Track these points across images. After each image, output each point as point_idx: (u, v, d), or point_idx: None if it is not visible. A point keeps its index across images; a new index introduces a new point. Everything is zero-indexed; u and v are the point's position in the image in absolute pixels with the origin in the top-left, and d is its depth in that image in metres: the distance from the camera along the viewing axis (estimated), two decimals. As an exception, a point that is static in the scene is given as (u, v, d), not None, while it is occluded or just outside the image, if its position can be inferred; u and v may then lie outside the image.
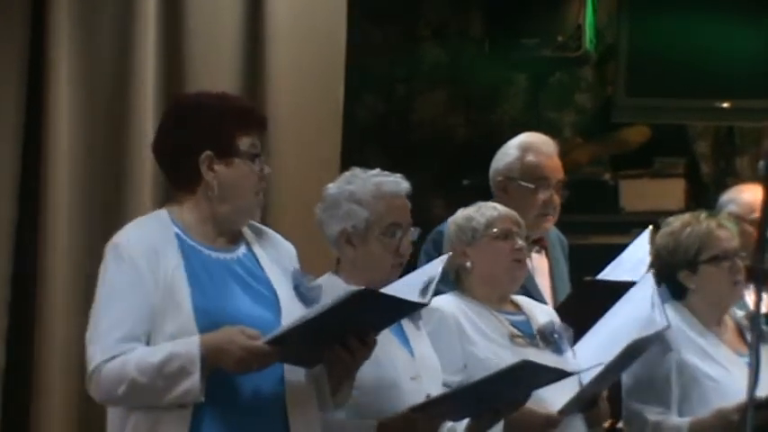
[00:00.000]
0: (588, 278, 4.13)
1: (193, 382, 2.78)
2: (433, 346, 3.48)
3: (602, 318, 3.91)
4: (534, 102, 7.00)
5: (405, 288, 3.02)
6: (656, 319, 3.56)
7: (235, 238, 3.02)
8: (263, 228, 3.12)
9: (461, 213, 3.77)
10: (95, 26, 4.72)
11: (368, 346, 2.92)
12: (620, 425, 3.93)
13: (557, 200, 4.30)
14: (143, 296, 2.87)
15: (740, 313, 3.89)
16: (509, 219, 3.72)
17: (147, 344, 2.87)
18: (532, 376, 3.29)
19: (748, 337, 3.78)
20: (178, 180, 3.01)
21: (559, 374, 3.35)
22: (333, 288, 3.27)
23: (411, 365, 3.34)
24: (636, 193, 6.67)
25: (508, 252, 3.66)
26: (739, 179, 6.20)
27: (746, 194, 4.74)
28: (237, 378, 2.85)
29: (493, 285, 3.68)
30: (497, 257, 3.65)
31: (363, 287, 2.86)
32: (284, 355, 2.84)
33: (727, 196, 4.83)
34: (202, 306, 2.87)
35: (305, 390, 2.94)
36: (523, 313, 3.71)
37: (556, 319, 3.72)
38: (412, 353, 3.37)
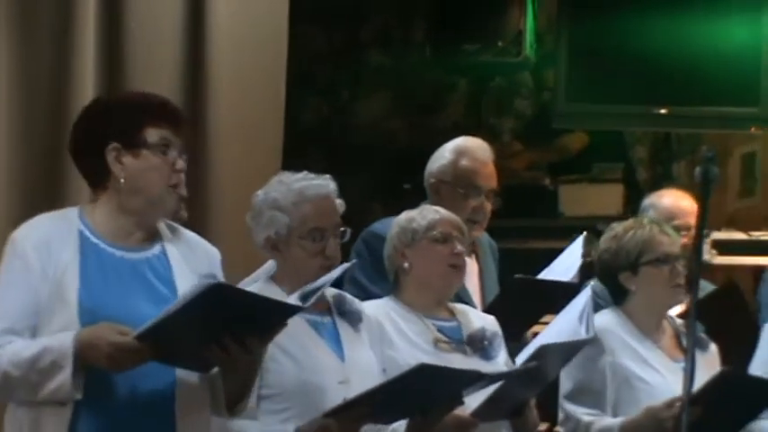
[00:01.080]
0: (519, 276, 4.15)
1: (65, 377, 2.76)
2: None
3: (531, 319, 3.94)
4: (475, 106, 7.04)
5: (295, 294, 3.00)
6: (581, 331, 3.59)
7: (151, 238, 3.00)
8: (183, 230, 3.09)
9: (405, 215, 3.78)
10: (34, 26, 4.67)
11: (249, 351, 2.84)
12: (557, 429, 3.96)
13: (488, 207, 4.30)
14: (29, 290, 2.84)
15: (679, 321, 3.94)
16: (450, 223, 3.72)
17: (33, 338, 2.84)
18: (443, 379, 3.26)
19: (685, 343, 3.82)
20: (91, 177, 2.99)
21: (473, 376, 3.31)
22: (268, 294, 3.26)
23: (339, 370, 3.32)
24: (575, 198, 6.73)
25: (446, 255, 3.66)
26: (676, 185, 6.27)
27: (666, 200, 4.76)
28: (116, 376, 2.82)
29: (428, 288, 3.68)
30: (435, 260, 3.66)
31: (217, 281, 2.81)
32: (159, 352, 2.79)
33: (647, 201, 4.84)
34: (89, 305, 2.84)
35: (197, 393, 2.90)
36: (456, 320, 3.71)
37: (492, 327, 3.71)
38: (343, 357, 3.36)
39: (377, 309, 3.63)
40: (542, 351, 3.50)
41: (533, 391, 3.63)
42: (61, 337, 2.79)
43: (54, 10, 4.71)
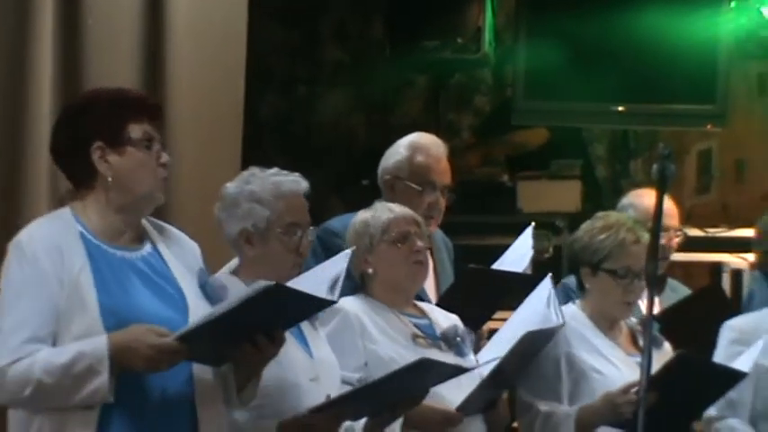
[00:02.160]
0: (472, 266, 4.16)
1: (102, 381, 2.75)
2: (334, 344, 3.48)
3: (485, 310, 3.96)
4: (434, 103, 7.05)
5: (311, 285, 3.02)
6: (552, 317, 3.62)
7: (140, 237, 2.99)
8: (167, 226, 3.09)
9: (359, 217, 3.77)
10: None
11: (276, 343, 2.91)
12: (514, 425, 3.99)
13: (442, 203, 4.30)
14: (47, 296, 2.82)
15: (633, 320, 3.96)
16: (405, 220, 3.72)
17: (54, 345, 2.82)
18: (430, 374, 3.31)
19: (641, 341, 3.85)
20: (76, 177, 2.98)
21: (457, 371, 3.38)
22: (233, 289, 3.25)
23: (310, 367, 3.32)
24: (533, 195, 6.75)
25: (407, 255, 3.67)
26: (633, 182, 6.32)
27: (646, 199, 4.76)
28: (144, 377, 2.82)
29: (395, 289, 3.70)
30: (397, 262, 3.66)
31: (273, 282, 2.83)
32: (193, 352, 2.82)
33: (626, 200, 4.85)
34: (109, 306, 2.83)
35: (213, 388, 2.92)
36: (427, 317, 3.74)
37: (460, 324, 3.74)
38: (311, 354, 3.36)
39: (354, 304, 3.64)
40: (525, 340, 3.52)
41: (508, 383, 3.67)
42: (95, 342, 2.77)
43: (11, 5, 4.67)
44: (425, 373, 3.27)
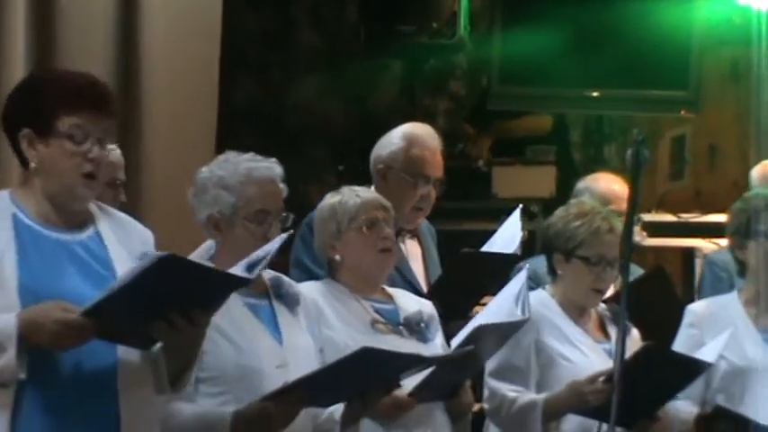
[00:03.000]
0: (465, 249, 4.15)
1: (9, 358, 2.71)
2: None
3: (478, 293, 3.96)
4: (409, 88, 7.05)
5: (241, 264, 2.98)
6: (517, 312, 3.60)
7: (83, 220, 2.96)
8: (116, 212, 3.06)
9: (326, 203, 3.73)
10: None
11: (196, 325, 2.81)
12: (482, 405, 3.98)
13: (433, 196, 4.30)
14: None
15: (603, 306, 3.97)
16: (372, 206, 3.67)
17: None
18: (383, 362, 3.25)
19: (609, 327, 3.87)
20: (18, 157, 2.97)
21: (413, 360, 3.30)
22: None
23: (277, 353, 3.30)
24: (508, 180, 6.77)
25: (375, 242, 3.63)
26: (607, 167, 6.34)
27: (601, 183, 4.79)
28: (65, 356, 2.78)
29: (363, 275, 3.66)
30: (364, 249, 3.62)
31: (166, 254, 2.74)
32: (103, 330, 2.76)
33: (582, 184, 4.87)
34: (29, 285, 2.80)
35: (139, 370, 2.88)
36: (393, 303, 3.70)
37: (429, 310, 3.72)
38: (281, 341, 3.33)
39: (314, 289, 3.62)
40: (478, 332, 3.51)
41: (469, 372, 3.65)
42: (3, 318, 2.74)
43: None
44: (375, 362, 3.21)
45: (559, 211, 3.91)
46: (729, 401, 3.80)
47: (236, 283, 2.88)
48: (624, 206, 4.60)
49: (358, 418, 3.36)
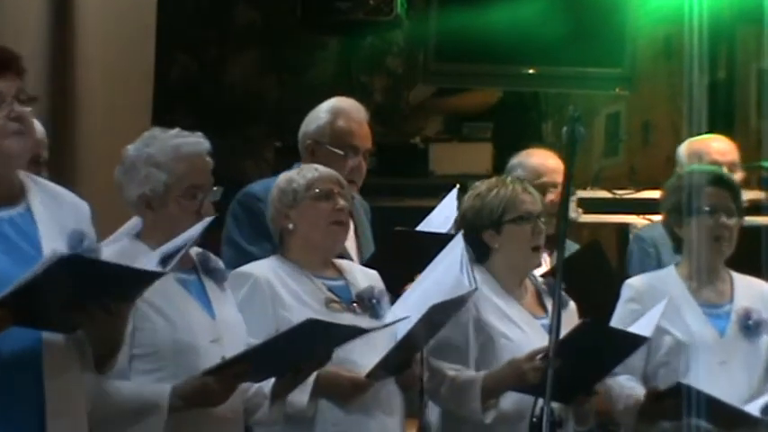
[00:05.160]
0: (398, 228, 4.17)
1: None
2: (245, 311, 3.46)
3: (410, 272, 3.98)
4: (346, 65, 7.05)
5: (155, 254, 2.97)
6: (464, 282, 3.62)
7: (14, 195, 2.91)
8: (51, 185, 3.02)
9: (284, 176, 3.76)
10: None
11: (113, 315, 2.80)
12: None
13: (363, 167, 4.31)
14: None
15: (540, 279, 4.01)
16: (330, 179, 3.72)
17: None
18: (327, 334, 3.29)
19: (546, 301, 3.91)
20: None
21: (355, 332, 3.35)
22: (135, 253, 3.23)
23: (211, 328, 3.30)
24: (445, 157, 6.80)
25: (329, 212, 3.66)
26: (544, 144, 6.38)
27: (534, 159, 4.83)
28: None
29: (314, 247, 3.69)
30: (318, 218, 3.66)
31: (68, 253, 2.75)
32: (21, 317, 2.74)
33: (515, 160, 4.90)
34: None
35: (64, 351, 2.86)
36: (344, 278, 3.72)
37: (377, 284, 3.74)
38: (213, 315, 3.34)
39: (266, 269, 3.62)
40: (440, 306, 3.53)
41: (419, 347, 3.68)
42: None
43: None
44: (319, 334, 3.25)
45: (468, 195, 3.96)
46: (672, 376, 3.84)
47: (152, 278, 2.87)
48: (557, 178, 4.65)
49: (289, 392, 3.38)
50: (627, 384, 3.88)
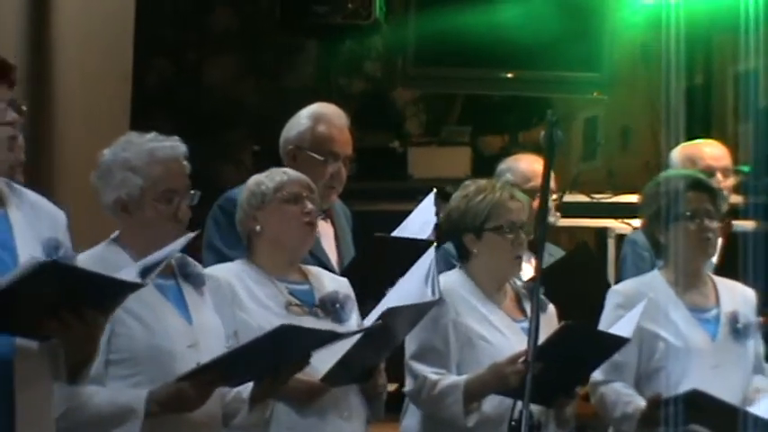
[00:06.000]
0: (377, 234, 4.17)
1: None
2: (206, 313, 3.47)
3: (389, 277, 3.97)
4: (325, 69, 7.05)
5: (136, 266, 2.97)
6: (427, 292, 3.61)
7: None
8: (27, 192, 3.01)
9: (253, 179, 3.77)
10: None
11: (88, 324, 2.80)
12: (404, 389, 4.00)
13: (344, 173, 4.32)
14: None
15: (519, 283, 4.02)
16: (299, 183, 3.73)
17: None
18: (300, 339, 3.28)
19: (526, 305, 3.91)
20: None
21: (330, 336, 3.35)
22: (110, 257, 3.24)
23: (188, 333, 3.29)
24: (424, 161, 6.80)
25: (297, 215, 3.67)
26: (522, 148, 6.39)
27: (523, 163, 4.84)
28: None
29: (282, 249, 3.69)
30: (286, 220, 3.66)
31: (50, 259, 2.76)
32: None
33: (504, 165, 4.92)
34: None
35: (36, 359, 2.85)
36: (308, 282, 3.72)
37: (344, 290, 3.73)
38: (190, 320, 3.33)
39: (228, 271, 3.62)
40: (388, 313, 3.53)
41: (382, 354, 3.66)
42: None
43: None
44: (293, 339, 3.25)
45: (456, 195, 3.95)
46: (668, 381, 3.84)
47: (130, 289, 2.87)
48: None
49: (267, 396, 3.37)
50: (624, 392, 3.88)
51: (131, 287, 2.87)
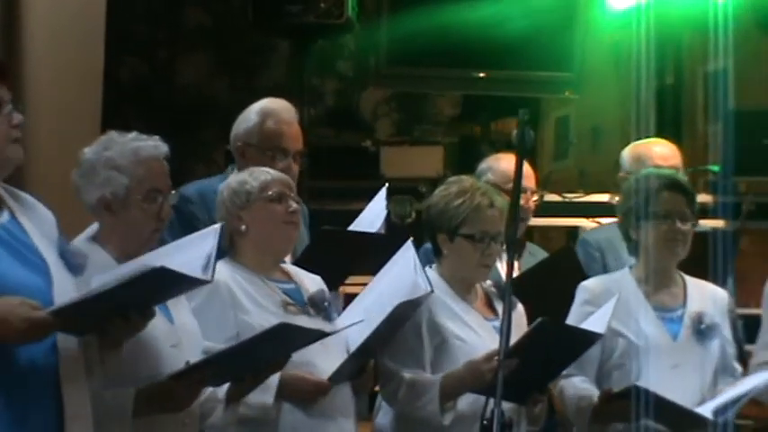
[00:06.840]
0: (326, 227, 4.17)
1: None
2: (203, 315, 3.46)
3: (341, 272, 3.99)
4: (297, 68, 7.05)
5: (183, 260, 2.98)
6: (420, 284, 3.64)
7: None
8: (23, 194, 3.02)
9: (234, 178, 3.76)
10: None
11: (146, 317, 2.91)
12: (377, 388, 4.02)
13: (295, 169, 4.29)
14: None
15: (488, 283, 4.02)
16: (282, 182, 3.74)
17: None
18: (291, 338, 3.33)
19: (496, 304, 3.92)
20: None
21: (319, 335, 3.39)
22: (93, 256, 3.18)
23: (171, 333, 3.28)
24: (396, 160, 6.82)
25: (282, 214, 3.68)
26: (494, 148, 6.42)
27: (503, 163, 4.83)
28: (8, 348, 2.76)
29: (266, 249, 3.70)
30: (272, 219, 3.67)
31: (159, 266, 2.80)
32: (65, 325, 2.79)
33: (484, 164, 4.91)
34: None
35: (77, 358, 2.88)
36: (294, 282, 3.73)
37: (325, 288, 3.75)
38: (172, 320, 3.32)
39: (223, 272, 3.60)
40: (400, 308, 3.54)
41: (377, 350, 3.69)
42: None
43: None
44: (286, 338, 3.28)
45: (439, 191, 3.94)
46: (625, 378, 3.86)
47: (197, 284, 2.97)
48: (526, 183, 4.67)
49: (243, 396, 3.39)
50: (581, 386, 3.90)
51: (200, 282, 2.94)
